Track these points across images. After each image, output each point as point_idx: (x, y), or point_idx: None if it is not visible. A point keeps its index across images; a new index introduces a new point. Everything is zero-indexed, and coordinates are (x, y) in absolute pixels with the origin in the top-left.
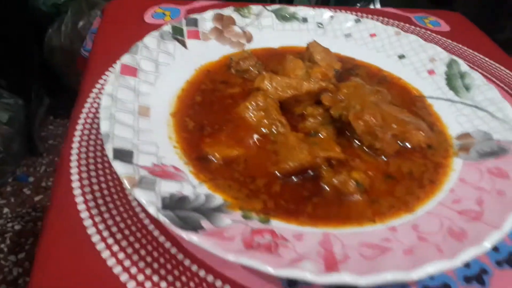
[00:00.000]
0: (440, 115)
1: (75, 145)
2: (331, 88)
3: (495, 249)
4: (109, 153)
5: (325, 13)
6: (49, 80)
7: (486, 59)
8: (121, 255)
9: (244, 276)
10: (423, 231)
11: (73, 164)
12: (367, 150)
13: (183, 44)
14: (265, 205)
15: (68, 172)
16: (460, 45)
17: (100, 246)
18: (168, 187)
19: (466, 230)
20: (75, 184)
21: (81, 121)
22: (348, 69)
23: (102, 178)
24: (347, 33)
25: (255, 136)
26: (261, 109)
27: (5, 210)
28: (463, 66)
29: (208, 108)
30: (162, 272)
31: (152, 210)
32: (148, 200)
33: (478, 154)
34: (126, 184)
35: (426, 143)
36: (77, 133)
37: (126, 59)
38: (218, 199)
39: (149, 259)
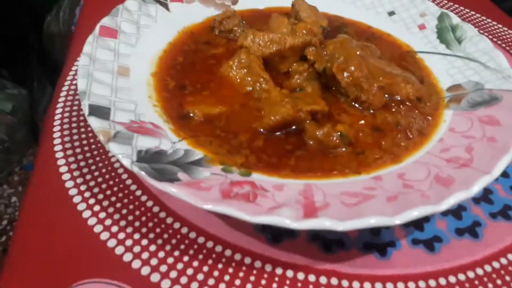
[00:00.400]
0: (431, 69)
1: (58, 116)
2: (314, 42)
3: (489, 201)
4: (85, 110)
5: None
6: (50, 68)
7: (493, 22)
8: (102, 214)
9: (227, 232)
10: (409, 178)
11: (56, 129)
12: (353, 103)
13: (166, 7)
14: (247, 159)
15: (51, 138)
16: (467, 9)
17: (81, 206)
18: (145, 142)
19: (454, 176)
20: (58, 148)
21: (63, 93)
22: (336, 27)
23: (84, 142)
24: None
25: (239, 94)
26: (244, 66)
27: (13, 199)
28: (455, 19)
29: (190, 68)
30: (144, 230)
31: (126, 162)
32: (122, 153)
33: (469, 104)
34: (101, 138)
35: (415, 95)
36: (60, 105)
37: (105, 21)
38: (198, 154)
39: (130, 217)
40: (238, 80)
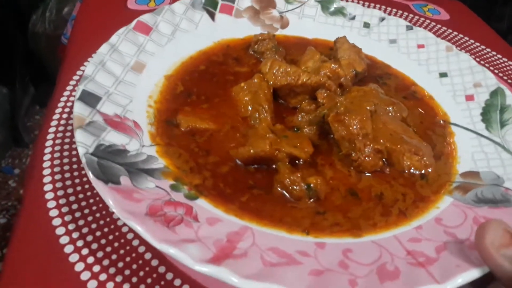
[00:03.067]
0: (457, 146)
1: (48, 148)
2: (329, 85)
3: None
4: (77, 93)
5: (376, 14)
6: (33, 68)
7: (487, 49)
8: (96, 268)
9: None
10: (352, 258)
11: (46, 165)
12: (345, 159)
13: (212, 16)
14: (203, 183)
15: (41, 175)
16: (461, 35)
17: (73, 258)
18: (114, 138)
19: (400, 273)
20: (48, 187)
21: (56, 116)
22: (377, 75)
23: (77, 181)
24: (392, 39)
25: (236, 116)
26: (252, 91)
27: None
28: (509, 98)
29: (206, 78)
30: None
31: (80, 151)
32: (82, 142)
33: (476, 198)
34: (74, 123)
35: (419, 170)
36: (50, 136)
37: (145, 17)
38: (159, 163)
39: (127, 272)
40: (242, 102)
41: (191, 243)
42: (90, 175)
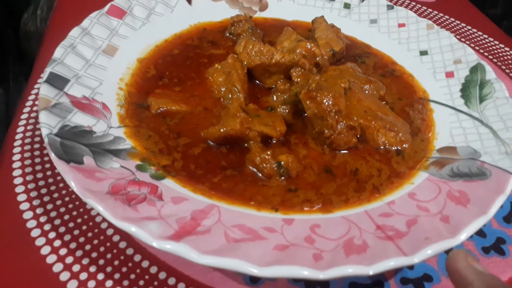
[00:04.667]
0: (435, 123)
1: (19, 133)
2: (302, 63)
3: (482, 234)
4: (44, 75)
5: None
6: (27, 67)
7: (475, 30)
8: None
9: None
10: (320, 233)
11: (16, 151)
12: (318, 137)
13: (189, 0)
14: (172, 164)
15: (10, 167)
16: (447, 16)
17: (40, 241)
18: (80, 119)
19: (368, 246)
20: (17, 172)
21: (29, 103)
22: (357, 54)
23: (47, 165)
24: (373, 18)
25: (209, 98)
26: (226, 72)
27: None
28: (490, 74)
29: (180, 62)
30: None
31: (43, 132)
32: (46, 123)
33: (451, 173)
34: (39, 104)
35: (395, 146)
36: (22, 122)
37: (119, 1)
38: (127, 144)
39: (94, 254)
40: (215, 83)
41: (152, 220)
42: (52, 155)
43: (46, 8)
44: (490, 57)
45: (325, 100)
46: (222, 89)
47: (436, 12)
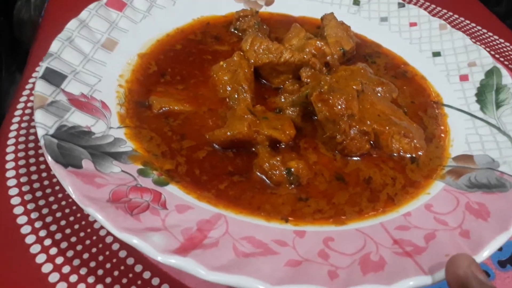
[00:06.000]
0: (450, 129)
1: (13, 131)
2: (313, 63)
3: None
4: (40, 71)
5: None
6: (20, 56)
7: (483, 30)
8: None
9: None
10: (334, 247)
11: (10, 150)
12: (330, 142)
13: None
14: (176, 168)
15: (4, 167)
16: (456, 15)
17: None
18: (78, 119)
19: (385, 263)
20: (10, 174)
21: (23, 98)
22: (367, 54)
23: (42, 166)
24: (383, 16)
25: (214, 97)
26: (231, 70)
27: None
28: (506, 78)
29: (182, 58)
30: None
31: (39, 132)
32: (41, 123)
33: (469, 183)
34: (35, 102)
35: (410, 153)
36: (16, 119)
37: None
38: (127, 146)
39: (93, 264)
40: (220, 82)
41: (156, 232)
42: (49, 158)
43: None
44: (502, 59)
45: (337, 103)
46: (228, 88)
47: (445, 11)
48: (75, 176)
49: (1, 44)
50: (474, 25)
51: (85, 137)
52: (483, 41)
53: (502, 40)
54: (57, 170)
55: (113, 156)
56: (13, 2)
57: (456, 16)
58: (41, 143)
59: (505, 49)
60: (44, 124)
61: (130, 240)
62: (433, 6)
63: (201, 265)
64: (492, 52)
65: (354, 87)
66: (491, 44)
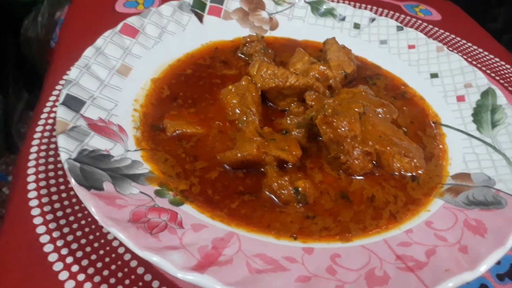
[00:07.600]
0: (448, 148)
1: (33, 154)
2: (317, 87)
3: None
4: (61, 97)
5: (366, 15)
6: (26, 73)
7: (479, 49)
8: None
9: None
10: (340, 263)
11: (31, 171)
12: (334, 162)
13: (200, 18)
14: (190, 189)
15: (25, 181)
16: (453, 35)
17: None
18: (97, 143)
19: (389, 278)
20: (32, 194)
21: (41, 121)
22: (367, 76)
23: (62, 187)
24: (383, 39)
25: (224, 120)
26: (239, 94)
27: None
28: (501, 99)
29: (193, 82)
30: None
31: (63, 157)
32: (64, 147)
33: (467, 201)
34: (57, 128)
35: (410, 172)
36: (35, 142)
37: (132, 19)
38: (144, 168)
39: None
40: (229, 105)
41: (174, 250)
42: (72, 181)
43: (47, 14)
44: (497, 78)
45: (341, 126)
46: (237, 111)
47: (442, 31)
48: (98, 198)
49: (8, 61)
50: (470, 44)
51: (105, 160)
52: (479, 60)
53: (497, 59)
54: (81, 193)
55: (131, 178)
56: (20, 20)
57: (453, 36)
58: (65, 166)
59: (500, 67)
60: (67, 148)
61: (151, 258)
62: (430, 26)
63: (218, 281)
64: (488, 71)
65: (356, 109)
66: (487, 63)
